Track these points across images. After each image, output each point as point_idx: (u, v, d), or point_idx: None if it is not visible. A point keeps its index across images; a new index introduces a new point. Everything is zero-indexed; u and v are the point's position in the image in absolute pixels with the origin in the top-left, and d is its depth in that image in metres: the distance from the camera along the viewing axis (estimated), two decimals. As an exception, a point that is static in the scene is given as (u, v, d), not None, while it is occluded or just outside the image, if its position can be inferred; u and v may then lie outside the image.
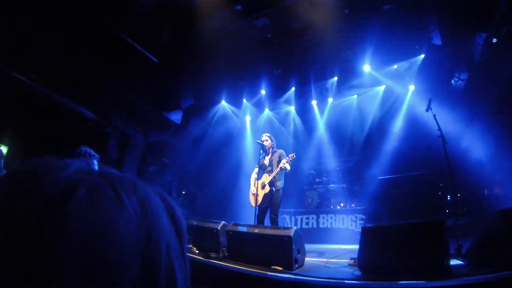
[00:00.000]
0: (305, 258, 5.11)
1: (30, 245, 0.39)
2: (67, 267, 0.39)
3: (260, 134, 6.91)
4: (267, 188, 6.31)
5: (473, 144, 7.45)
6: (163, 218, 0.52)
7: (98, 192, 0.46)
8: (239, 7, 8.02)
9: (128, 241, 0.44)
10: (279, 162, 6.25)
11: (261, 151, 6.64)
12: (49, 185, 0.44)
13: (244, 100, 11.82)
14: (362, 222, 7.64)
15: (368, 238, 4.30)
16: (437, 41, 7.99)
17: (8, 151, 6.39)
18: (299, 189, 10.01)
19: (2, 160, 5.81)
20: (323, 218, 8.43)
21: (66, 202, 0.42)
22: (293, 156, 6.17)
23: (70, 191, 0.44)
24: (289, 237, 4.70)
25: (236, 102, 11.89)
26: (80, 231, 0.41)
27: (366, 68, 9.49)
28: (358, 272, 4.24)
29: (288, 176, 7.04)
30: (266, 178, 6.39)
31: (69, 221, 0.41)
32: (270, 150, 6.62)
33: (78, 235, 0.41)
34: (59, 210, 0.41)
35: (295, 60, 9.93)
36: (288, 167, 6.19)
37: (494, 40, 6.64)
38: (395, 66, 9.58)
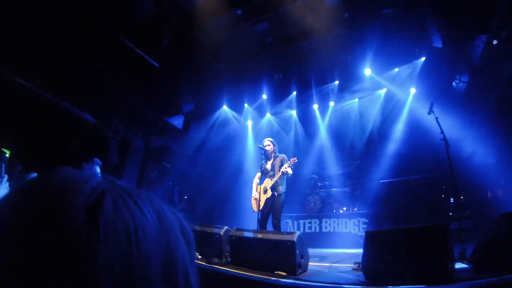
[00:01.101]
0: (309, 263, 5.08)
1: (74, 252, 0.42)
2: (107, 268, 0.42)
3: (261, 139, 6.91)
4: (269, 193, 6.29)
5: (476, 147, 7.43)
6: (177, 230, 0.55)
7: (122, 201, 0.49)
8: (239, 12, 8.05)
9: (153, 248, 0.48)
10: (281, 166, 6.24)
11: (263, 156, 6.64)
12: (84, 194, 0.47)
13: (246, 105, 11.83)
14: (365, 226, 7.61)
15: (372, 242, 4.28)
16: (438, 43, 8.00)
17: (10, 155, 6.38)
18: (301, 194, 10.00)
19: (4, 165, 5.80)
20: (326, 222, 8.41)
21: (100, 209, 0.46)
22: (294, 160, 6.16)
23: (101, 200, 0.47)
24: (292, 242, 4.67)
25: (237, 106, 11.89)
26: (113, 237, 0.44)
27: (367, 71, 9.50)
28: (362, 277, 4.21)
29: (290, 181, 7.02)
30: (268, 182, 6.37)
31: (104, 227, 0.44)
32: (272, 154, 6.61)
33: (112, 240, 0.44)
34: (96, 217, 0.45)
35: (296, 65, 9.93)
36: (290, 172, 6.17)
37: (495, 42, 6.64)
38: (396, 70, 9.59)
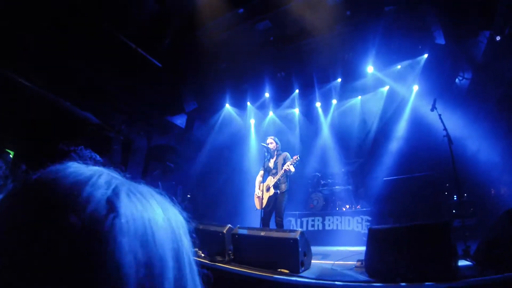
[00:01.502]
0: (312, 261, 5.09)
1: (102, 244, 0.43)
2: (131, 258, 0.44)
3: (264, 137, 6.91)
4: (272, 191, 6.30)
5: (479, 144, 7.39)
6: (180, 227, 0.57)
7: (133, 194, 0.51)
8: (241, 11, 8.04)
9: (165, 240, 0.50)
10: (283, 164, 6.24)
11: (265, 154, 6.64)
12: (101, 187, 0.49)
13: (248, 103, 11.83)
14: (368, 223, 7.59)
15: (375, 240, 4.28)
16: (440, 40, 7.96)
17: (14, 156, 6.42)
18: (304, 192, 9.98)
19: (7, 165, 5.83)
20: (329, 220, 8.40)
21: (120, 201, 0.48)
22: (297, 158, 6.16)
23: (118, 192, 0.49)
24: (295, 239, 4.68)
25: (240, 105, 11.89)
26: (133, 228, 0.46)
27: (370, 69, 9.47)
28: (365, 275, 4.21)
29: (293, 179, 7.02)
30: (271, 180, 6.38)
31: (125, 218, 0.46)
32: (275, 152, 6.61)
33: (133, 231, 0.46)
34: (118, 209, 0.47)
35: (298, 63, 9.91)
36: (293, 169, 6.17)
37: (498, 38, 6.60)
38: (399, 67, 9.56)
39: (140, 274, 0.44)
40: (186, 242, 0.55)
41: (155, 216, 0.51)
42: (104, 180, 0.51)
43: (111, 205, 0.47)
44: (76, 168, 0.53)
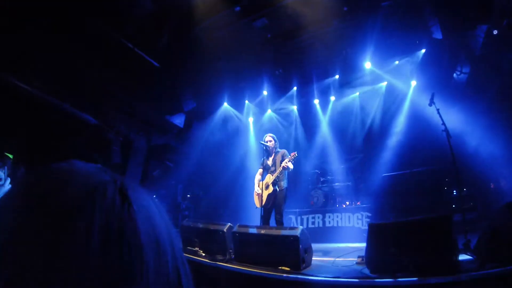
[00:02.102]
0: (312, 258, 5.09)
1: (123, 232, 0.48)
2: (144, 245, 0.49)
3: (263, 135, 6.90)
4: (271, 188, 6.29)
5: (478, 138, 7.39)
6: (164, 231, 0.58)
7: (137, 189, 0.56)
8: (238, 8, 8.02)
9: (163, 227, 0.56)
10: (282, 161, 6.24)
11: (264, 152, 6.63)
12: (112, 182, 0.53)
13: (246, 101, 11.84)
14: (368, 219, 7.60)
15: (375, 235, 4.28)
16: (438, 35, 7.96)
17: (13, 158, 6.41)
18: (304, 189, 9.99)
19: (6, 168, 5.83)
20: (329, 217, 8.40)
21: (130, 194, 0.52)
22: (294, 154, 6.15)
23: (127, 186, 0.54)
24: (295, 237, 4.68)
25: (238, 103, 11.91)
26: (142, 216, 0.51)
27: (367, 65, 9.47)
28: (366, 270, 4.21)
29: (293, 176, 7.02)
30: (270, 178, 6.37)
31: (137, 207, 0.51)
32: (273, 150, 6.60)
33: (143, 221, 0.51)
34: (131, 200, 0.51)
35: (295, 60, 9.90)
36: (291, 166, 6.17)
37: (495, 32, 6.60)
38: (396, 62, 9.56)
39: (153, 252, 0.49)
40: (174, 231, 0.59)
41: (152, 205, 0.56)
42: (109, 175, 0.55)
43: (124, 196, 0.51)
44: (82, 164, 0.56)
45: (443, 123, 5.37)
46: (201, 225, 6.11)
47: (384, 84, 10.29)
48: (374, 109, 10.59)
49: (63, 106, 7.71)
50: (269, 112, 12.17)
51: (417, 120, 8.68)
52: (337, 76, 10.43)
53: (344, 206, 9.02)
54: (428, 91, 6.86)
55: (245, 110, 12.06)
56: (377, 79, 10.21)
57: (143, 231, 0.50)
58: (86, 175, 0.53)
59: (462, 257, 4.00)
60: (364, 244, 4.43)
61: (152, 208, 0.56)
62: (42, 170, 0.54)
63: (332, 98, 11.17)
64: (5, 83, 6.62)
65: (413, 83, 9.39)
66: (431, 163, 7.65)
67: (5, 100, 6.68)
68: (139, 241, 0.48)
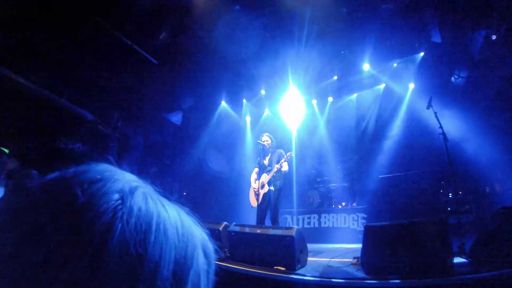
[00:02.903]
0: (308, 258, 5.08)
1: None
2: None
3: (260, 134, 6.89)
4: (266, 188, 6.29)
5: (475, 142, 7.43)
6: (199, 244, 0.60)
7: (151, 197, 0.53)
8: (237, 7, 8.01)
9: (169, 245, 0.51)
10: (278, 161, 6.24)
11: (261, 151, 6.62)
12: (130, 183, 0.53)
13: (244, 101, 11.82)
14: (364, 221, 7.61)
15: (371, 237, 4.29)
16: (437, 38, 7.99)
17: (9, 153, 6.36)
18: (300, 189, 9.99)
19: (2, 164, 5.78)
20: (325, 217, 8.40)
21: (129, 198, 0.50)
22: (290, 154, 6.15)
23: (132, 191, 0.51)
24: (291, 237, 4.67)
25: (236, 102, 11.90)
26: (134, 224, 0.48)
27: (366, 67, 9.50)
28: (361, 271, 4.22)
29: (289, 176, 7.02)
30: (265, 177, 6.37)
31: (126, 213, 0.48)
32: (270, 149, 6.60)
33: (132, 227, 0.47)
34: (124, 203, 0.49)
35: (294, 59, 9.89)
36: (286, 168, 6.17)
37: (494, 37, 6.63)
38: (395, 65, 9.59)
39: (128, 267, 0.44)
40: (197, 264, 0.56)
41: (166, 223, 0.51)
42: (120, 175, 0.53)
43: (122, 198, 0.48)
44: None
45: (440, 127, 5.38)
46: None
47: (382, 86, 10.31)
48: (372, 111, 10.60)
49: (60, 101, 7.67)
50: (266, 112, 12.15)
51: (414, 123, 8.71)
52: (335, 77, 10.44)
53: (340, 207, 9.03)
54: (426, 94, 6.90)
55: (243, 109, 12.06)
56: (375, 81, 10.24)
57: (123, 239, 0.45)
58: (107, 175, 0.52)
59: (457, 260, 4.01)
60: (359, 245, 4.44)
61: (162, 228, 0.51)
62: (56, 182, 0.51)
63: (330, 99, 11.18)
64: (2, 77, 6.58)
65: (411, 85, 9.41)
66: (427, 166, 7.67)
67: (2, 94, 6.63)
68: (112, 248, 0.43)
